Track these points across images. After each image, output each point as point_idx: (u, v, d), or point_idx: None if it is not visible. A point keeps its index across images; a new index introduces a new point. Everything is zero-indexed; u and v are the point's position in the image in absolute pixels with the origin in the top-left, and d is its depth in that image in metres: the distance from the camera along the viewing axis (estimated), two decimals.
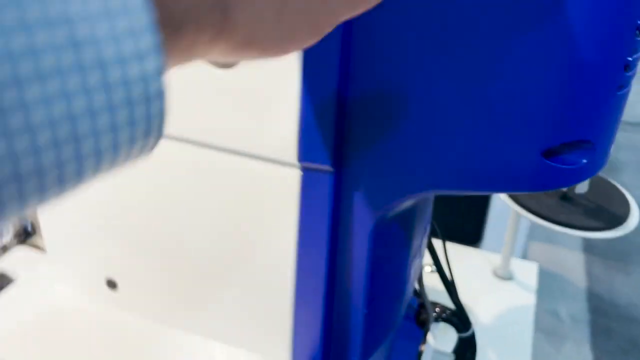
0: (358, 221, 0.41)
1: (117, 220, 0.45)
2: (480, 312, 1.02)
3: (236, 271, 0.44)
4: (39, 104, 0.15)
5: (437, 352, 0.74)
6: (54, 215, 0.49)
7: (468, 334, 0.73)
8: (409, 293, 0.52)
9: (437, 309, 0.72)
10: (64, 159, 0.16)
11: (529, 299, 1.04)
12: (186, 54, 0.21)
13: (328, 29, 0.24)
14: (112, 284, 0.49)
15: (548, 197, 0.69)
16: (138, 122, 0.18)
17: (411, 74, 0.34)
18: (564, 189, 0.67)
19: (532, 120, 0.34)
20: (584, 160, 0.36)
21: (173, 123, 0.39)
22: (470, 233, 1.16)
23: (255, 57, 0.23)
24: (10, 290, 0.50)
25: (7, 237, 0.59)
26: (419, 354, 0.68)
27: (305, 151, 0.37)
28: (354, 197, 0.40)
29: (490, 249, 1.27)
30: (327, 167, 0.37)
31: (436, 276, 1.16)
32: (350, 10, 0.24)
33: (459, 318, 0.72)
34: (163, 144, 0.40)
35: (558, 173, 0.36)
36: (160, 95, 0.18)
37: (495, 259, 1.12)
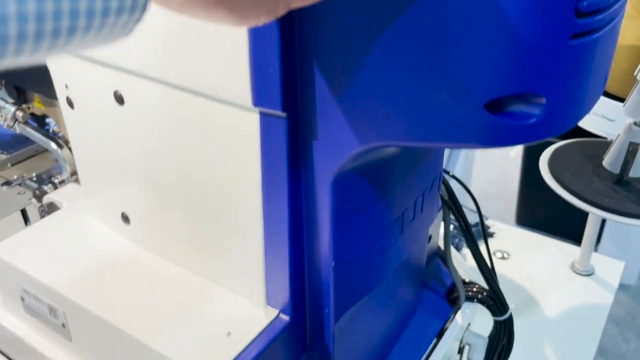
0: (319, 170, 0.41)
1: (123, 162, 0.50)
2: (546, 304, 0.96)
3: (213, 211, 0.46)
4: None
5: (471, 334, 0.71)
6: (85, 158, 0.55)
7: (504, 317, 0.69)
8: (399, 256, 0.51)
9: (474, 289, 0.70)
10: (61, 10, 0.18)
11: (606, 298, 0.95)
12: None
13: (282, 11, 0.27)
14: (126, 219, 0.54)
15: (600, 181, 0.63)
16: None
17: (354, 25, 0.34)
18: (617, 172, 0.61)
19: (469, 69, 0.32)
20: (533, 118, 0.33)
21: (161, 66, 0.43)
22: None
23: (220, 17, 0.25)
24: (52, 216, 0.58)
25: (66, 175, 0.67)
26: (442, 330, 0.67)
27: (258, 96, 0.39)
28: (312, 145, 0.41)
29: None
30: (279, 113, 0.39)
31: (505, 263, 1.10)
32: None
33: (494, 300, 0.69)
34: (143, 84, 0.44)
35: (505, 128, 0.34)
36: None
37: (576, 253, 1.04)
